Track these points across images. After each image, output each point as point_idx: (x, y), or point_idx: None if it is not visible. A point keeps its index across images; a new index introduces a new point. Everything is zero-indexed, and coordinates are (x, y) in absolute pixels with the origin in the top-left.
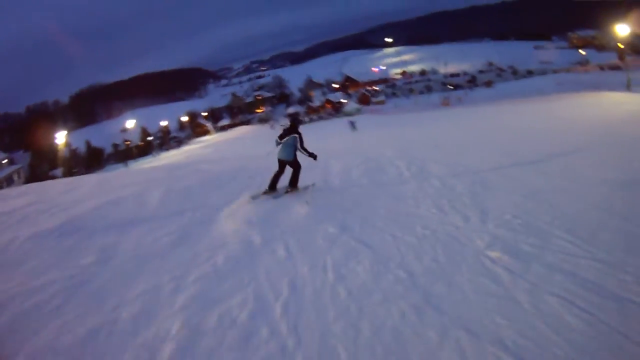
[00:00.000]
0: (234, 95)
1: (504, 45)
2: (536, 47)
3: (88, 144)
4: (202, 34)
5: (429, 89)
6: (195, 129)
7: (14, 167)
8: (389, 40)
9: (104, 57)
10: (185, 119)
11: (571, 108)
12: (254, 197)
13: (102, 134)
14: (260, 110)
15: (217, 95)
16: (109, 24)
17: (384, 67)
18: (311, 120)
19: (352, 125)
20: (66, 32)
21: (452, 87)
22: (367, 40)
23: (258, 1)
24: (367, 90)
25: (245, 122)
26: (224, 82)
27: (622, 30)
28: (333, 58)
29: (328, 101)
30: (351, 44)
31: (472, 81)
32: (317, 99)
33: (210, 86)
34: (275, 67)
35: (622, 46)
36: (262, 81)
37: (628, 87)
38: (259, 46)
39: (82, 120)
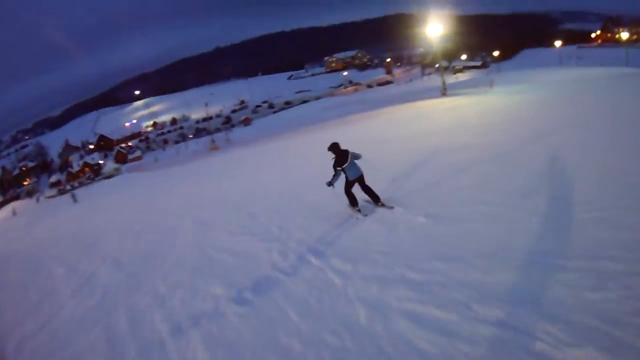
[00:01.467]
0: (3, 168)
1: (254, 82)
2: (290, 78)
3: None
4: None
5: (183, 137)
6: None
7: None
8: (137, 92)
9: None
10: None
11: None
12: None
13: None
14: (27, 183)
15: None
16: None
17: (135, 121)
18: (72, 188)
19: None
20: None
21: (208, 131)
22: (118, 95)
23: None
24: (122, 148)
25: (15, 197)
26: None
27: (433, 30)
28: (87, 118)
29: (86, 164)
30: (103, 100)
31: (228, 122)
32: (75, 163)
33: None
34: (37, 134)
35: (389, 60)
36: (26, 150)
37: (444, 92)
38: (21, 116)
39: None
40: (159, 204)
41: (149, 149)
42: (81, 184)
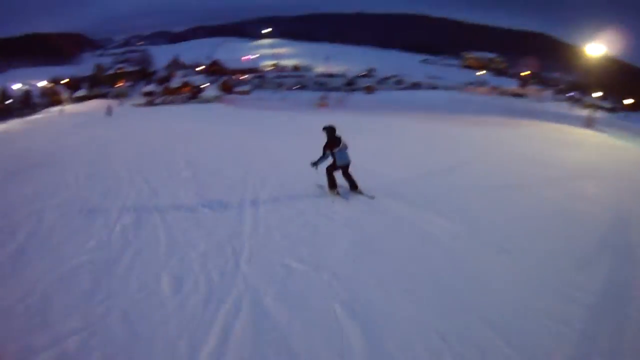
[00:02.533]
0: (98, 65)
1: (387, 54)
2: (423, 61)
3: None
4: (85, 2)
5: (301, 86)
6: (52, 97)
7: None
8: (267, 31)
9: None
10: (42, 84)
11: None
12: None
13: None
14: (120, 84)
15: (91, 64)
16: None
17: (255, 56)
18: (162, 103)
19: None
20: None
21: (326, 87)
22: (245, 29)
23: None
24: (231, 78)
25: (102, 95)
26: (99, 51)
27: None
28: (207, 42)
29: (186, 83)
30: (229, 31)
31: (351, 84)
32: (178, 80)
33: (87, 54)
34: (152, 44)
35: (526, 74)
36: (131, 55)
37: (589, 124)
38: (141, 21)
39: None
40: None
41: (261, 87)
42: (172, 102)
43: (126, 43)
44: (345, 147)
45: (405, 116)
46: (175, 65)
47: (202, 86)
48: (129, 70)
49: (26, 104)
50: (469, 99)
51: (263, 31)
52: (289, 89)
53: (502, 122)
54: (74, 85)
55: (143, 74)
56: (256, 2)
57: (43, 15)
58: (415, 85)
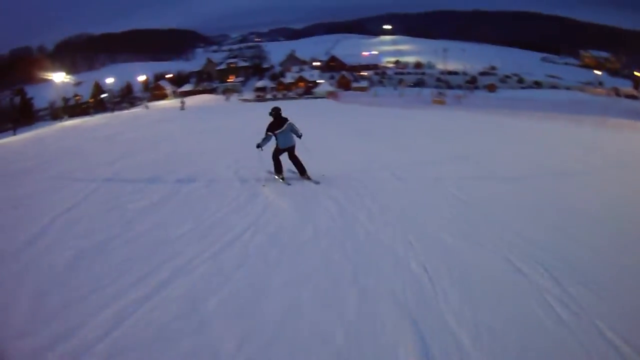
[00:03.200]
0: (208, 60)
1: (507, 52)
2: (543, 59)
3: (21, 94)
4: None
5: (421, 83)
6: (154, 91)
7: None
8: (387, 27)
9: (99, 8)
10: (142, 78)
11: None
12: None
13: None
14: (231, 79)
15: (203, 60)
16: None
17: (375, 53)
18: (273, 98)
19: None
20: None
21: (448, 85)
22: (365, 27)
23: None
24: (350, 74)
25: (210, 91)
26: (213, 47)
27: None
28: (326, 38)
29: (301, 78)
30: (348, 28)
31: (472, 82)
32: (293, 75)
33: (200, 50)
34: (271, 40)
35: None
36: (245, 51)
37: None
38: (258, 18)
39: (65, 69)
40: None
41: (381, 83)
42: (285, 97)
43: (243, 40)
44: (293, 131)
45: (524, 115)
46: (291, 60)
47: (317, 81)
48: (241, 66)
49: (125, 99)
50: (589, 99)
51: (384, 27)
52: (409, 85)
53: (631, 125)
54: (180, 80)
55: (256, 70)
56: (373, 1)
57: (152, 12)
58: (537, 84)
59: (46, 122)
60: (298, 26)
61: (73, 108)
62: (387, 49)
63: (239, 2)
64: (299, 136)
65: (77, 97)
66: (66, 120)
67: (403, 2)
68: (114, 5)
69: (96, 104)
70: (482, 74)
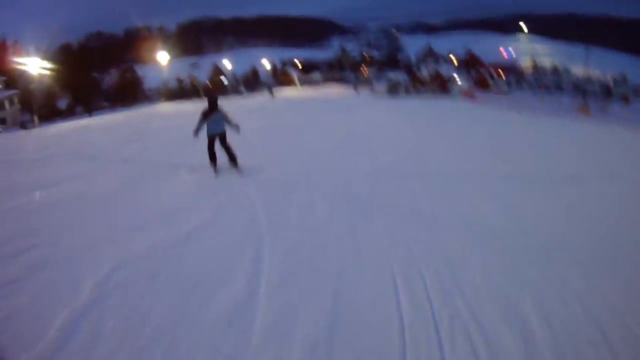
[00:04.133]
0: (342, 48)
1: (636, 60)
2: None
3: (124, 74)
4: None
5: (559, 88)
6: (280, 77)
7: (9, 92)
8: (522, 26)
9: None
10: (267, 64)
11: None
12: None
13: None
14: (363, 70)
15: (335, 49)
16: None
17: (513, 52)
18: (406, 94)
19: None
20: None
21: (584, 92)
22: (502, 25)
23: None
24: (488, 73)
25: (339, 80)
26: (349, 37)
27: None
28: (463, 35)
29: (437, 74)
30: (485, 25)
31: (608, 91)
32: (428, 70)
33: (335, 40)
34: (408, 34)
35: None
36: (380, 42)
37: None
38: (398, 10)
39: (187, 51)
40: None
41: (518, 85)
42: (417, 93)
43: (381, 31)
44: (226, 120)
45: None
46: (428, 54)
47: (453, 77)
48: (374, 57)
49: (248, 83)
50: None
51: (519, 24)
52: (547, 89)
53: None
54: (308, 67)
55: (391, 62)
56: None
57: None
58: None
59: (151, 103)
60: (435, 21)
61: (186, 91)
62: (523, 48)
63: None
64: (235, 126)
65: (192, 80)
66: (164, 103)
67: (541, 1)
68: None
69: (213, 88)
70: (615, 82)
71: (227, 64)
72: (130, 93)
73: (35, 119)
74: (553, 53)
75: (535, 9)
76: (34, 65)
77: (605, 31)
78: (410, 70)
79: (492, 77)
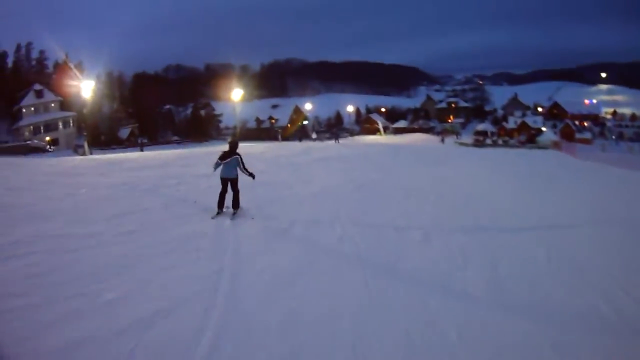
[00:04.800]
0: (428, 97)
1: None
2: None
3: (199, 109)
4: (429, 38)
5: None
6: (363, 125)
7: (64, 114)
8: (604, 75)
9: (311, 37)
10: (351, 109)
11: None
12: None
13: (280, 110)
14: (450, 120)
15: (421, 98)
16: (322, 6)
17: (595, 102)
18: (493, 144)
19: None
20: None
21: None
22: (583, 75)
23: (484, 16)
24: (573, 124)
25: (425, 130)
26: (436, 86)
27: None
28: (546, 85)
29: (524, 124)
30: (568, 75)
31: None
32: (513, 121)
33: (422, 88)
34: (494, 84)
35: None
36: (467, 93)
37: None
38: (482, 61)
39: (269, 91)
40: None
41: (602, 135)
42: (505, 143)
43: (467, 81)
44: (235, 162)
45: None
46: (514, 104)
47: (541, 128)
48: (462, 106)
49: (332, 129)
50: None
51: (601, 75)
52: (630, 139)
53: None
54: (394, 115)
55: (478, 112)
56: (593, 47)
57: (376, 46)
58: None
59: (223, 141)
60: (520, 72)
61: (263, 131)
62: (605, 98)
63: (462, 43)
64: (249, 175)
65: (272, 120)
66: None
67: (619, 50)
68: (333, 35)
69: (291, 130)
70: None
71: (309, 106)
72: (203, 129)
73: (86, 144)
74: (635, 102)
75: (616, 59)
76: (94, 89)
77: None
78: (497, 120)
79: (576, 127)
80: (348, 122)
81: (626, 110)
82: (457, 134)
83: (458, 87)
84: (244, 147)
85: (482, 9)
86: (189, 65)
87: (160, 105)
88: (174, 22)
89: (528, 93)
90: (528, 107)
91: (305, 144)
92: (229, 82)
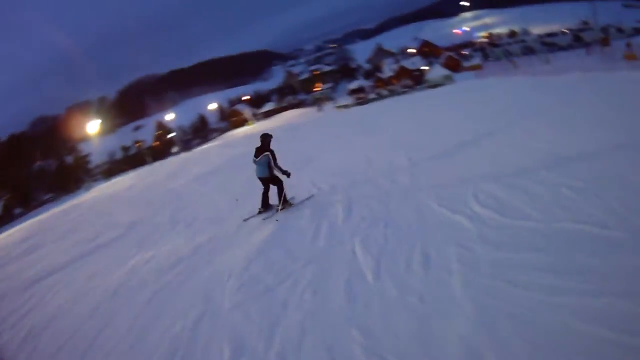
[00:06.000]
0: (288, 72)
1: (585, 7)
2: (626, 5)
3: (60, 161)
4: (270, 18)
5: (529, 50)
6: (230, 119)
7: None
8: (466, 4)
9: (162, 48)
10: (213, 107)
11: None
12: (246, 219)
13: (144, 130)
14: (318, 88)
15: (282, 77)
16: (164, 15)
17: (467, 29)
18: (379, 97)
19: None
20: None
21: (556, 47)
22: (441, 9)
23: None
24: (456, 54)
25: (296, 105)
26: (291, 62)
27: None
28: (406, 29)
29: (403, 69)
30: (424, 14)
31: (579, 39)
32: (388, 68)
33: (277, 68)
34: (346, 44)
35: None
36: (326, 58)
37: None
38: (330, 26)
39: (131, 115)
40: None
41: (486, 58)
42: (392, 92)
43: (319, 49)
44: (266, 160)
45: None
46: (380, 54)
47: (423, 68)
48: (327, 71)
49: (199, 134)
50: None
51: (461, 3)
52: (517, 55)
53: None
54: (259, 100)
55: (345, 72)
56: None
57: (222, 41)
58: (638, 30)
59: (95, 184)
60: (371, 25)
61: (132, 158)
62: (473, 24)
63: (307, 14)
64: (283, 172)
65: (138, 144)
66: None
67: None
68: (177, 43)
69: (161, 148)
70: (581, 30)
71: (171, 118)
72: (74, 177)
73: None
74: (505, 21)
75: None
76: None
77: None
78: (369, 73)
79: (459, 57)
80: (214, 121)
81: (501, 30)
82: (331, 98)
83: (312, 57)
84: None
85: None
86: (51, 115)
87: (31, 166)
88: (32, 75)
89: (390, 40)
90: (395, 54)
91: (179, 157)
92: (89, 118)
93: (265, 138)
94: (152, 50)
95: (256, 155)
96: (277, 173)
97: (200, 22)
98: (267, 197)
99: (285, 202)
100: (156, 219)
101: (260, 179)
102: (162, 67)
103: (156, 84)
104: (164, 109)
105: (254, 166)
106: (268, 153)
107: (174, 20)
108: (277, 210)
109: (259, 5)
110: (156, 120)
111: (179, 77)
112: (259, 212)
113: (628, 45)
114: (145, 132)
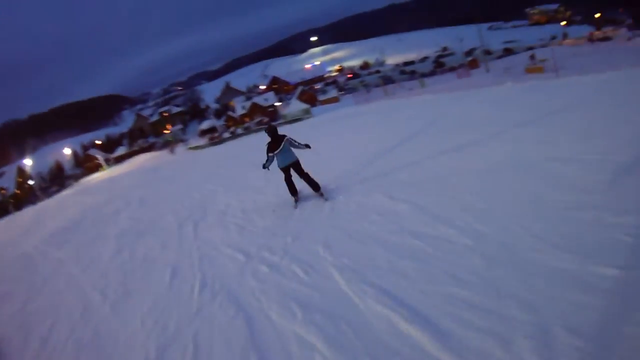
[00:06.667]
0: (137, 115)
1: (445, 32)
2: (491, 28)
3: None
4: (118, 63)
5: (388, 80)
6: (84, 164)
7: None
8: (314, 39)
9: (22, 94)
10: (68, 152)
11: None
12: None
13: (7, 178)
14: (167, 130)
15: (131, 121)
16: (22, 61)
17: (318, 63)
18: (233, 136)
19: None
20: None
21: (416, 74)
22: (288, 46)
23: (169, 23)
24: (309, 88)
25: (147, 148)
26: (140, 106)
27: None
28: (253, 67)
29: (255, 106)
30: (271, 52)
31: (441, 65)
32: (239, 106)
33: (126, 112)
34: (192, 86)
35: (598, 16)
36: (177, 100)
37: None
38: (175, 69)
39: None
40: None
41: (342, 91)
42: (248, 130)
43: (166, 92)
44: (293, 145)
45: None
46: (230, 92)
47: (276, 104)
48: (175, 112)
49: (56, 181)
50: (576, 51)
51: (311, 39)
52: (376, 85)
53: None
54: (110, 145)
55: (194, 112)
56: (286, 22)
57: (72, 86)
58: (508, 51)
59: None
60: (216, 66)
61: None
62: (324, 59)
63: (153, 57)
64: (305, 146)
65: (2, 191)
66: None
67: (316, 17)
68: (36, 88)
69: (22, 195)
70: (440, 56)
71: (29, 163)
72: None
73: None
74: (356, 53)
75: (315, 24)
76: None
77: (395, 18)
78: (219, 112)
79: (313, 91)
80: (69, 167)
81: (353, 63)
82: (181, 140)
83: (160, 100)
84: None
85: (161, 23)
86: None
87: None
88: None
89: (238, 79)
90: (243, 92)
91: (36, 208)
92: None
93: (273, 129)
94: (13, 95)
95: (273, 149)
96: (301, 149)
97: (56, 67)
98: (293, 182)
99: (319, 186)
100: None
101: (288, 166)
102: (22, 112)
103: (16, 130)
104: (25, 155)
105: (278, 157)
106: (287, 137)
107: (31, 66)
108: (322, 194)
109: (106, 50)
110: (18, 166)
111: (38, 122)
112: (296, 202)
113: (532, 57)
114: (7, 180)
